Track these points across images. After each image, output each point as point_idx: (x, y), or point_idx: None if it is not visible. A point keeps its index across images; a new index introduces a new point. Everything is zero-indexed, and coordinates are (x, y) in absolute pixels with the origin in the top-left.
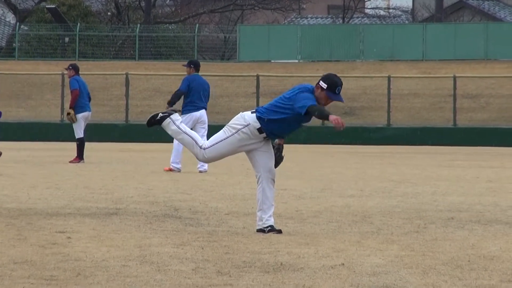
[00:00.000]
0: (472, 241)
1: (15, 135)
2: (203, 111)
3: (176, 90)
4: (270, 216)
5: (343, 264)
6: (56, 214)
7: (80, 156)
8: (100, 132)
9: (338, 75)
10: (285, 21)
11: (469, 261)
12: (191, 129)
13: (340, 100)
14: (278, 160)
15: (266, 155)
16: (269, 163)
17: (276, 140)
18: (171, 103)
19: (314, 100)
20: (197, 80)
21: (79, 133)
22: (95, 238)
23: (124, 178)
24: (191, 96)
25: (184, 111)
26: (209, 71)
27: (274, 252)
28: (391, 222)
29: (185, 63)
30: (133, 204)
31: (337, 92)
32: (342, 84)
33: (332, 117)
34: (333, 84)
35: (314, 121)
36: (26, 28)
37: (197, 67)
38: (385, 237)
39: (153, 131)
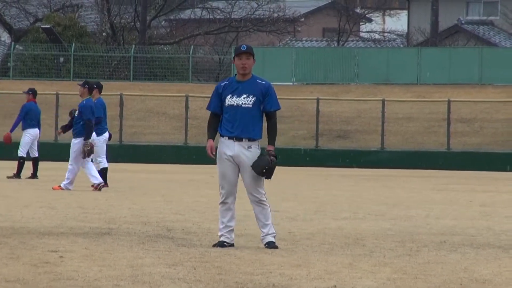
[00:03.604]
0: (465, 264)
1: (9, 154)
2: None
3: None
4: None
5: (335, 286)
6: (49, 233)
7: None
8: None
9: (332, 98)
10: (280, 44)
11: (461, 284)
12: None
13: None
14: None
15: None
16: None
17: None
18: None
19: (213, 96)
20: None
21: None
22: (87, 257)
23: (117, 198)
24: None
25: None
26: (204, 92)
27: (266, 273)
28: (384, 245)
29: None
30: (126, 224)
31: (241, 49)
32: (242, 45)
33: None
34: (236, 49)
35: (309, 144)
36: (21, 47)
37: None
38: (378, 259)
39: (147, 151)
